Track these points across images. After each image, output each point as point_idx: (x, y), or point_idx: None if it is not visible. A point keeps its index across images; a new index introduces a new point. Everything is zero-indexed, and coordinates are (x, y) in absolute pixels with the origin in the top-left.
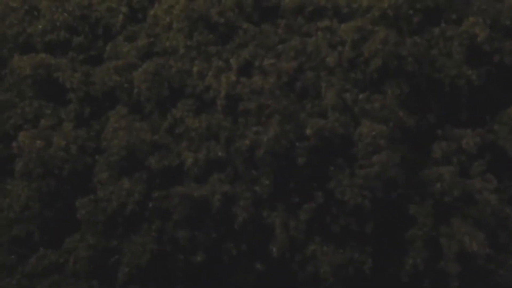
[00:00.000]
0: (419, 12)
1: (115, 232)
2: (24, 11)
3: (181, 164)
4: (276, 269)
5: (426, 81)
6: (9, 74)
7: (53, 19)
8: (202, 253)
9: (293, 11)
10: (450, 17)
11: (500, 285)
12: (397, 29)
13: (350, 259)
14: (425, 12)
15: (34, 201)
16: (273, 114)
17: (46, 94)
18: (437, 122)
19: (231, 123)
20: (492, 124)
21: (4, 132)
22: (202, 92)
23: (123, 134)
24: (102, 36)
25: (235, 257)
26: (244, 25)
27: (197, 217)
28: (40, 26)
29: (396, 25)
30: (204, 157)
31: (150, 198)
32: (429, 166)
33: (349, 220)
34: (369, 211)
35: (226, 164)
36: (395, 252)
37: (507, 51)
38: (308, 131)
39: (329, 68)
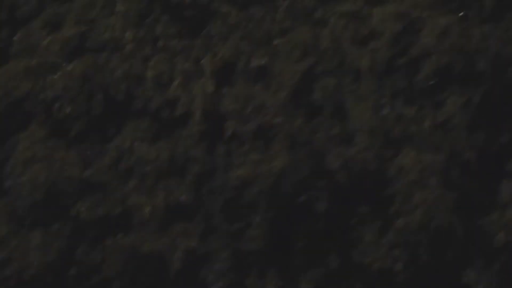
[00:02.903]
0: None
1: None
2: None
3: (127, 213)
4: None
5: (503, 87)
6: None
7: None
8: None
9: None
10: None
11: None
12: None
13: None
14: None
15: None
16: (281, 138)
17: None
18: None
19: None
20: None
21: None
22: (160, 109)
23: (38, 168)
24: (8, 22)
25: None
26: (223, 9)
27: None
28: None
29: (453, 9)
30: (163, 203)
31: (76, 261)
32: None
33: None
34: (403, 280)
35: (193, 212)
36: None
37: None
38: (333, 163)
39: (356, 73)
